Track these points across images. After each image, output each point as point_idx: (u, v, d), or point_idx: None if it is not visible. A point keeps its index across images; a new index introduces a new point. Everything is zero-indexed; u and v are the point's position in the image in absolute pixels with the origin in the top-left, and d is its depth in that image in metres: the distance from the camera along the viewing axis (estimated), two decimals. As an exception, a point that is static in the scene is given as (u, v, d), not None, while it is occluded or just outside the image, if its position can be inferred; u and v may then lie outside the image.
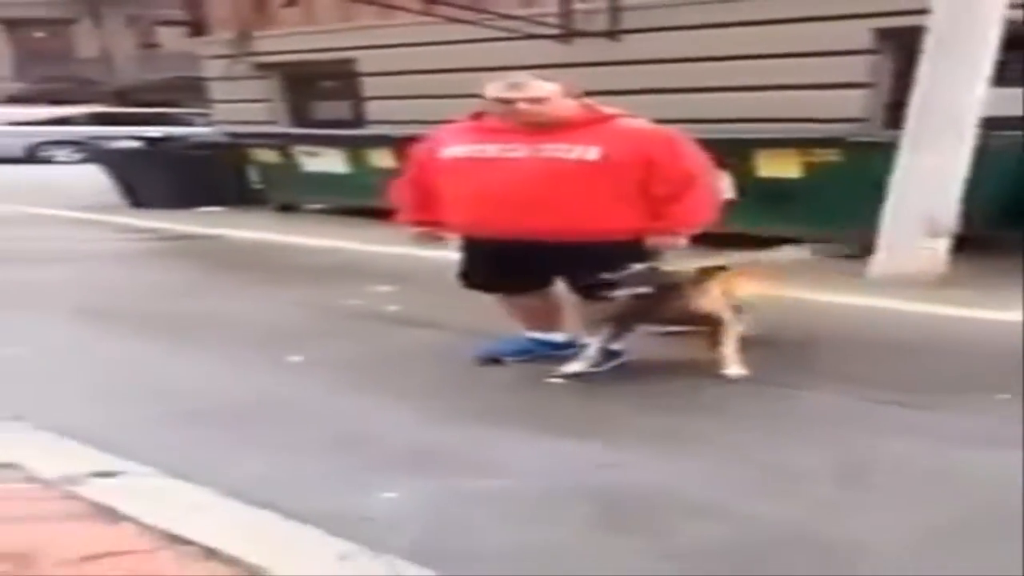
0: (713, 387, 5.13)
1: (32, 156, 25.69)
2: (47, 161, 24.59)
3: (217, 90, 20.13)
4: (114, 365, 5.84)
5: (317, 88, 19.06)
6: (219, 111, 19.99)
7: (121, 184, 14.72)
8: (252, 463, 4.07)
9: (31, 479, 3.76)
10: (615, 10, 14.60)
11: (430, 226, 5.55)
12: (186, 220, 12.81)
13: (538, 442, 4.36)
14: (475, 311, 6.06)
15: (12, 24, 42.63)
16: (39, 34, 43.36)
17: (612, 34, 14.61)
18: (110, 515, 3.40)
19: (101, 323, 6.93)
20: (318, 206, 13.84)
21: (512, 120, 5.10)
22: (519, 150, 5.08)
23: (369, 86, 17.74)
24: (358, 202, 12.96)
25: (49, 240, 11.50)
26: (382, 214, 12.18)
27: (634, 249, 5.11)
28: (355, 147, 13.24)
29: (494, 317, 5.86)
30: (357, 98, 17.97)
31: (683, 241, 5.24)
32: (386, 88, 17.25)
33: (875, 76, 12.76)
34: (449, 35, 15.59)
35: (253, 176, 14.44)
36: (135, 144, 14.93)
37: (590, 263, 4.95)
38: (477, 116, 5.37)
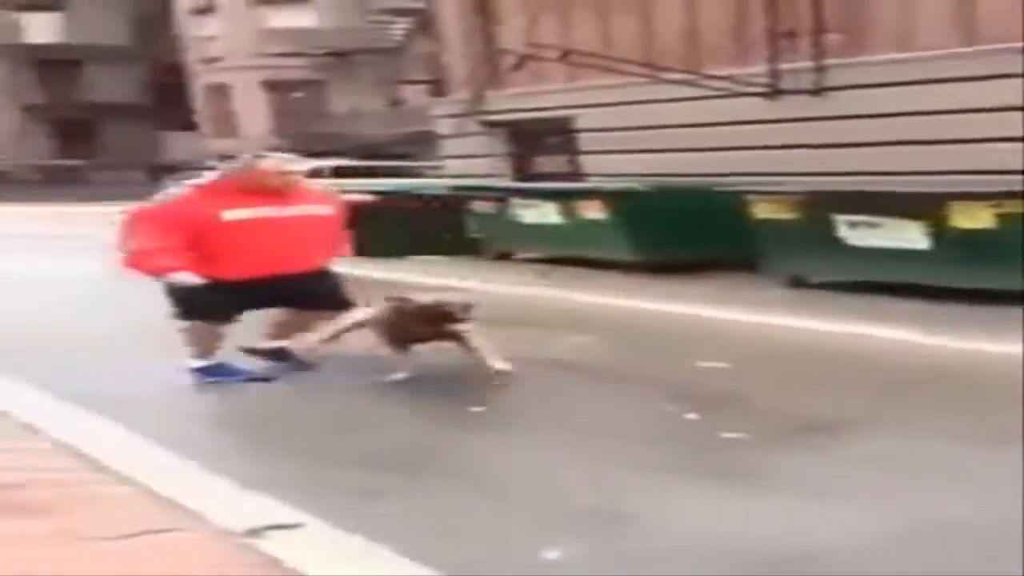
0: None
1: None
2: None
3: (448, 145, 21.14)
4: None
5: (539, 143, 19.78)
6: (448, 165, 21.00)
7: (351, 234, 15.61)
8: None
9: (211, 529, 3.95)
10: (820, 69, 15.01)
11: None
12: (391, 267, 13.50)
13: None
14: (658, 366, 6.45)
15: (274, 84, 45.35)
16: (298, 94, 45.97)
17: (817, 92, 14.98)
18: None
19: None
20: (531, 255, 14.39)
21: (269, 187, 6.97)
22: (288, 210, 7.00)
23: (586, 141, 18.36)
24: (569, 252, 13.54)
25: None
26: (592, 263, 12.94)
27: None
28: (568, 199, 13.80)
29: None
30: (575, 153, 18.63)
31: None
32: (601, 143, 17.83)
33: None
34: (664, 94, 16.19)
35: (472, 226, 15.14)
36: (360, 196, 15.84)
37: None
38: (207, 184, 7.09)
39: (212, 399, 6.87)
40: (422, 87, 31.01)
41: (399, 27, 36.59)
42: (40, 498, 4.37)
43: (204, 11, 46.48)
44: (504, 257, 14.65)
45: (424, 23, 25.39)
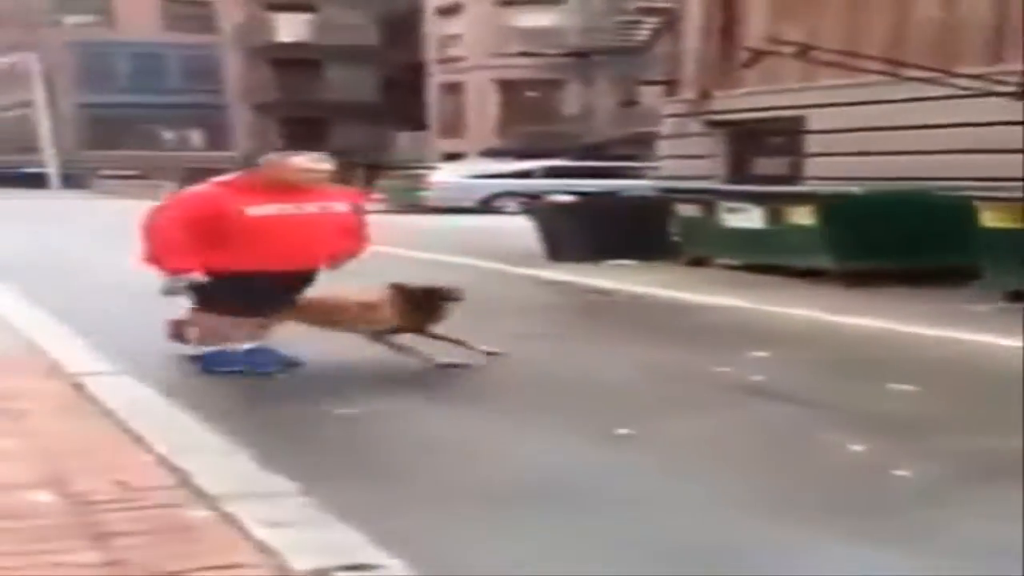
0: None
1: (486, 206, 26.88)
2: (498, 211, 25.58)
3: (667, 146, 20.47)
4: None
5: (761, 145, 18.89)
6: (664, 166, 20.31)
7: (544, 236, 15.07)
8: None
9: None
10: None
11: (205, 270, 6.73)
12: (587, 273, 12.87)
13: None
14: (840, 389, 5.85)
15: (508, 84, 45.39)
16: (532, 94, 45.92)
17: None
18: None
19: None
20: (731, 262, 13.47)
21: (292, 184, 6.97)
22: (307, 207, 6.98)
23: (813, 143, 17.37)
24: (771, 259, 12.59)
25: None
26: (796, 272, 12.02)
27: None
28: (776, 203, 12.84)
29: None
30: (798, 155, 17.62)
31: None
32: (830, 145, 16.83)
33: None
34: (905, 93, 15.21)
35: (673, 230, 14.31)
36: (564, 198, 15.27)
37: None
38: (228, 180, 7.12)
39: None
40: (658, 88, 30.38)
41: (646, 26, 35.89)
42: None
43: (450, 10, 46.94)
44: (701, 263, 13.72)
45: (671, 22, 24.83)
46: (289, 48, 54.54)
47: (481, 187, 28.25)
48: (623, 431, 5.44)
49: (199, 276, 6.77)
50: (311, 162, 7.23)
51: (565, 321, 10.33)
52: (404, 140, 49.52)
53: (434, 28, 48.35)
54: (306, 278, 7.22)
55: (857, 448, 5.10)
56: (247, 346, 7.01)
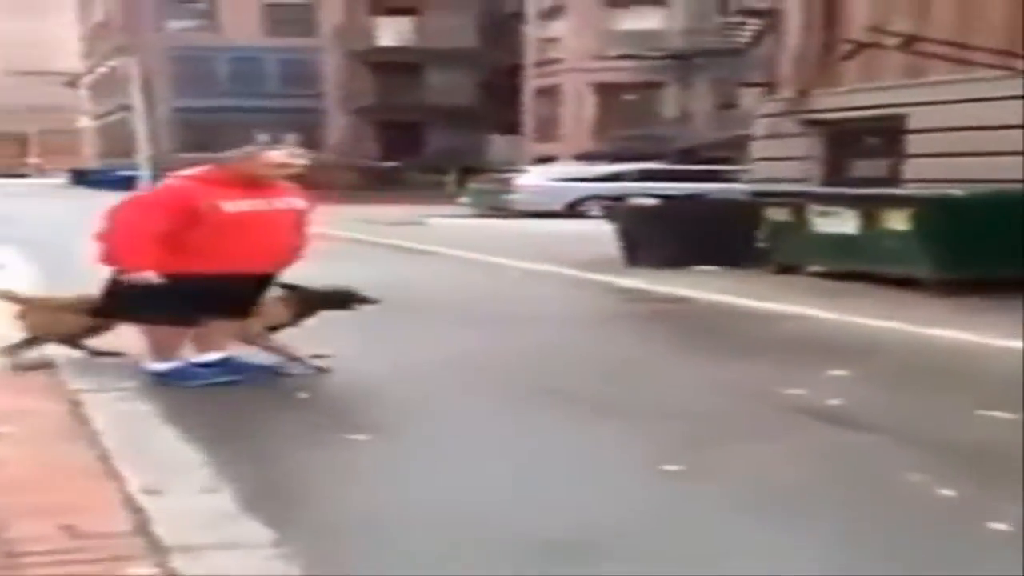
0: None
1: (573, 211, 26.17)
2: (585, 216, 24.80)
3: (760, 147, 19.64)
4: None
5: (858, 145, 17.94)
6: (757, 168, 19.46)
7: (625, 242, 14.36)
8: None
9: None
10: None
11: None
12: (665, 281, 12.14)
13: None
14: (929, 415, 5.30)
15: (605, 87, 44.63)
16: (629, 97, 45.09)
17: None
18: None
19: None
20: (821, 269, 12.62)
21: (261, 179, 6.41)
22: (275, 203, 6.44)
23: (915, 143, 16.38)
24: (864, 267, 11.76)
25: (521, 301, 11.26)
26: (891, 281, 11.17)
27: None
28: (870, 207, 11.98)
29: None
30: (899, 156, 16.65)
31: None
32: (933, 145, 15.84)
33: None
34: (1019, 89, 14.11)
35: (762, 236, 13.49)
36: (646, 201, 14.55)
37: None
38: (198, 173, 6.51)
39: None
40: (758, 90, 29.51)
41: (749, 28, 35.00)
42: None
43: (552, 13, 46.35)
44: (789, 270, 12.87)
45: (773, 23, 24.03)
46: (389, 52, 54.33)
47: (568, 190, 27.40)
48: (671, 467, 4.75)
49: (151, 278, 6.10)
50: (288, 157, 6.68)
51: (626, 331, 9.61)
52: (498, 144, 49.00)
53: (534, 31, 47.78)
54: (268, 281, 6.66)
55: (947, 492, 4.36)
56: (211, 357, 6.45)
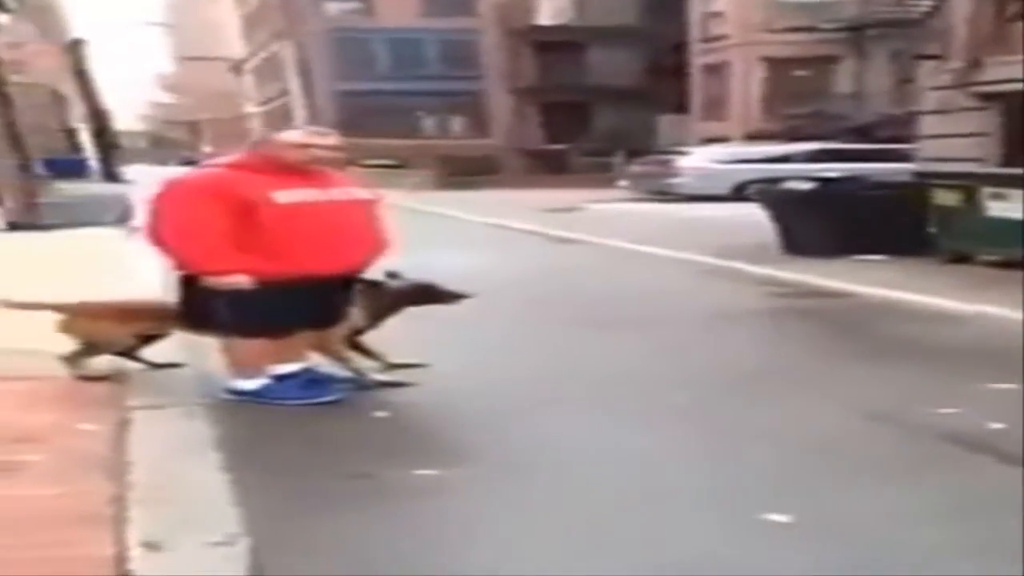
0: None
1: (739, 194, 24.94)
2: (750, 199, 23.53)
3: (930, 124, 18.24)
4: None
5: (1039, 121, 16.41)
6: (927, 146, 18.04)
7: (781, 228, 13.35)
8: None
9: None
10: None
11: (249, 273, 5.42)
12: (825, 272, 11.15)
13: None
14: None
15: (776, 62, 43.04)
16: (801, 72, 43.38)
17: None
18: None
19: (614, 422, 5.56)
20: (995, 258, 11.43)
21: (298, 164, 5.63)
22: (332, 193, 5.68)
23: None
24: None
25: (659, 297, 10.44)
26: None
27: None
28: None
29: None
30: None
31: None
32: None
33: None
34: None
35: (932, 222, 12.34)
36: (802, 185, 13.51)
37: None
38: (232, 161, 5.86)
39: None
40: (932, 63, 27.86)
41: (929, -4, 33.20)
42: None
43: (714, -14, 45.03)
44: (962, 260, 11.71)
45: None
46: (551, 31, 53.55)
47: (733, 173, 26.12)
48: (776, 517, 3.94)
49: (244, 282, 5.43)
50: (309, 137, 5.85)
51: (770, 333, 8.70)
52: (665, 124, 47.77)
53: (699, 5, 46.44)
54: (353, 283, 5.94)
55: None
56: (291, 368, 5.73)
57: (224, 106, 76.07)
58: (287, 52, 49.43)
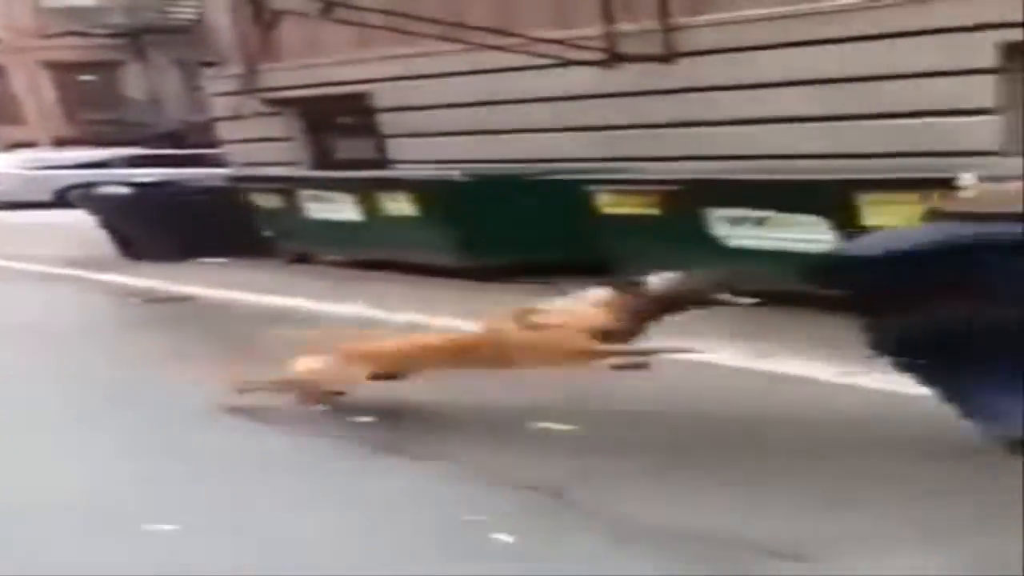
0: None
1: (61, 200, 24.20)
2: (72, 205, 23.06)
3: (224, 130, 18.56)
4: None
5: (336, 125, 17.35)
6: (237, 152, 18.39)
7: (113, 234, 13.20)
8: None
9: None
10: (669, 30, 12.35)
11: None
12: (171, 276, 11.20)
13: None
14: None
15: (60, 67, 41.77)
16: (88, 77, 42.48)
17: (667, 58, 12.41)
18: None
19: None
20: (338, 257, 12.10)
21: None
22: None
23: (388, 123, 15.96)
24: (376, 253, 11.68)
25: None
26: (405, 268, 10.77)
27: None
28: (367, 192, 11.65)
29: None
30: (377, 136, 16.22)
31: None
32: (405, 125, 15.56)
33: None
34: (475, 64, 13.92)
35: (261, 224, 12.79)
36: (122, 190, 13.43)
37: None
38: None
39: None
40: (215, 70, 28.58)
41: (189, 4, 33.76)
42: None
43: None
44: (303, 260, 12.29)
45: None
46: None
47: (53, 178, 25.48)
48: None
49: None
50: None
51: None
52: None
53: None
54: None
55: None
56: None
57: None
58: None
